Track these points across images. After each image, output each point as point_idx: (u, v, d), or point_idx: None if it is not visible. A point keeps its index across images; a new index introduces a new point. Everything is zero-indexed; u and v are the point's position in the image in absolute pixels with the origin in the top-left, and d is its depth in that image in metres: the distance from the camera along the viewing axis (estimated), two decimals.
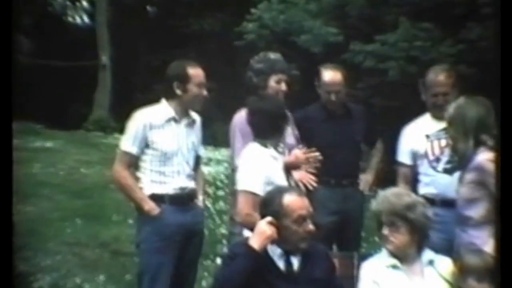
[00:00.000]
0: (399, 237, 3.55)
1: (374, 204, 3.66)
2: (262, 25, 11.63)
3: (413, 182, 4.79)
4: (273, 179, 3.95)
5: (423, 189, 4.68)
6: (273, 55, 4.88)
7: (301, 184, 4.83)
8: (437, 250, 3.79)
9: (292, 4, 11.56)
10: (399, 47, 9.28)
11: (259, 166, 4.01)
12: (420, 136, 4.76)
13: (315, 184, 4.80)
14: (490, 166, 3.75)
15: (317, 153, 4.39)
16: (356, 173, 5.21)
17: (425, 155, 4.70)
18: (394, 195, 3.64)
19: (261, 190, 3.87)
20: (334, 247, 5.02)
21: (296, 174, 4.77)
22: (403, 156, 4.86)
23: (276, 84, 4.69)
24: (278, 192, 3.56)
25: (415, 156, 4.76)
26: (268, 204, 3.51)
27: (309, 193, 4.73)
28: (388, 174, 5.10)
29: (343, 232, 5.04)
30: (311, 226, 3.45)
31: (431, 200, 4.48)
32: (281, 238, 3.42)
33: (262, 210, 3.55)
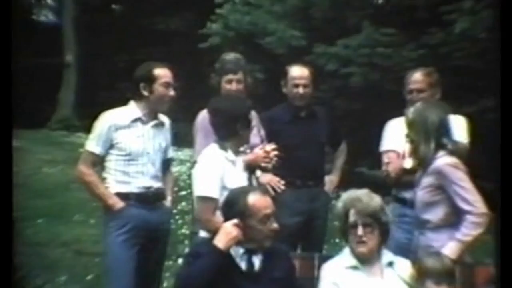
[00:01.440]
0: (373, 238, 3.59)
1: (341, 205, 3.67)
2: (227, 26, 11.63)
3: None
4: (227, 184, 3.93)
5: (395, 190, 4.74)
6: (227, 55, 4.93)
7: (269, 187, 4.90)
8: (405, 250, 3.90)
9: (257, 6, 11.57)
10: (362, 50, 9.36)
11: (214, 171, 3.98)
12: (400, 136, 4.83)
13: (283, 187, 4.86)
14: (450, 170, 3.84)
15: (275, 149, 4.43)
16: (321, 174, 5.25)
17: (403, 156, 4.70)
18: (366, 196, 3.66)
19: (217, 194, 3.87)
20: (299, 248, 5.06)
21: (264, 177, 4.82)
22: (390, 143, 4.84)
23: (227, 84, 4.76)
24: (242, 192, 3.57)
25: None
26: (233, 205, 3.52)
27: (275, 193, 4.82)
28: (351, 176, 5.17)
29: (308, 233, 5.08)
30: (275, 225, 3.48)
31: (402, 200, 4.57)
32: (246, 238, 3.44)
33: (226, 211, 3.56)
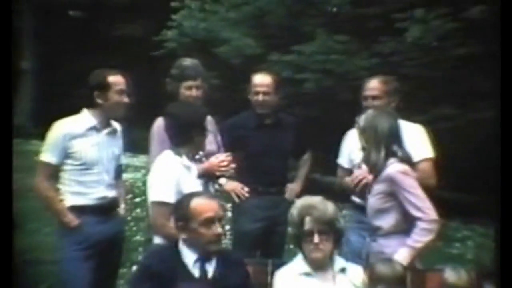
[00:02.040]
0: (328, 245, 3.60)
1: (296, 213, 3.67)
2: (182, 33, 11.62)
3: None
4: (182, 189, 3.91)
5: (354, 197, 4.77)
6: (186, 61, 4.90)
7: (233, 194, 4.92)
8: (359, 256, 3.98)
9: (212, 13, 11.58)
10: (316, 58, 9.44)
11: (168, 176, 3.97)
12: (358, 144, 4.87)
13: (247, 195, 4.89)
14: (400, 177, 3.90)
15: (229, 158, 4.44)
16: (283, 181, 5.27)
17: (359, 165, 4.72)
18: (320, 203, 3.67)
19: (172, 199, 3.85)
20: (259, 254, 5.07)
21: (229, 185, 4.85)
22: (343, 159, 4.94)
23: (186, 90, 4.72)
24: (188, 196, 3.59)
25: (352, 162, 4.82)
26: (178, 208, 3.55)
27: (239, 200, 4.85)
28: (313, 184, 5.20)
29: (268, 239, 5.10)
30: (219, 229, 3.46)
31: (359, 207, 4.62)
32: (190, 242, 3.46)
33: (174, 214, 3.59)
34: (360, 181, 4.50)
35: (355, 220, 4.54)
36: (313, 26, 10.30)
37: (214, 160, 4.42)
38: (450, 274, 3.66)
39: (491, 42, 8.84)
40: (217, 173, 4.46)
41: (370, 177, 4.28)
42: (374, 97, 4.74)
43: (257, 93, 5.10)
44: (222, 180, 4.72)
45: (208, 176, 4.41)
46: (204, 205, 3.48)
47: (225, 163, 4.43)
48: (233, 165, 4.45)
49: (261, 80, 5.14)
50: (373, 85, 4.80)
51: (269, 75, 5.21)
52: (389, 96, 4.77)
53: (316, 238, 3.56)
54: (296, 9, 10.65)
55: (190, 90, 4.73)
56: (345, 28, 9.75)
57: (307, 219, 3.59)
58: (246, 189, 4.97)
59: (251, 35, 10.83)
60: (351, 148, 4.82)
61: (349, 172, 4.79)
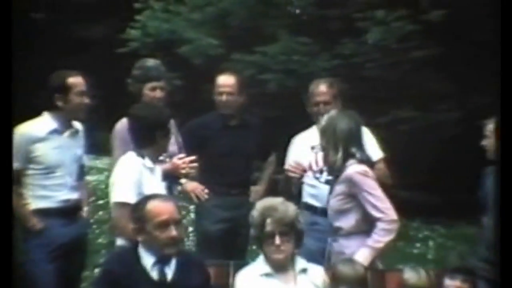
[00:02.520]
0: (289, 246, 3.63)
1: (257, 214, 3.69)
2: (146, 33, 11.57)
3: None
4: (144, 190, 3.91)
5: (306, 198, 4.82)
6: (149, 62, 4.90)
7: (193, 195, 4.92)
8: (316, 258, 3.98)
9: (175, 13, 11.55)
10: (278, 59, 9.47)
11: (130, 177, 3.97)
12: (306, 147, 4.89)
13: (206, 196, 4.89)
14: (359, 178, 3.96)
15: (193, 159, 4.44)
16: (246, 183, 5.29)
17: (309, 167, 4.81)
18: (281, 204, 3.70)
19: (133, 200, 3.83)
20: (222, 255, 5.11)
21: (188, 185, 4.85)
22: (290, 164, 4.91)
23: (150, 91, 4.72)
24: (145, 198, 3.58)
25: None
26: (135, 210, 3.54)
27: (199, 201, 4.85)
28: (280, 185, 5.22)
29: (230, 241, 5.12)
30: (174, 233, 3.43)
31: (313, 208, 4.66)
32: (148, 245, 3.45)
33: (131, 216, 3.58)
34: (292, 171, 4.56)
35: (308, 221, 4.58)
36: (276, 27, 10.31)
37: (177, 161, 4.43)
38: (409, 274, 3.72)
39: (451, 44, 9.00)
40: (181, 174, 4.46)
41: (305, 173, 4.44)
42: (326, 103, 4.80)
43: (221, 93, 5.12)
44: (182, 180, 4.73)
45: (172, 177, 4.42)
46: (159, 208, 3.45)
47: (188, 164, 4.43)
48: (195, 165, 4.46)
49: (225, 80, 5.17)
50: (322, 89, 4.86)
51: (233, 76, 5.24)
52: (336, 99, 4.83)
53: (277, 240, 3.59)
54: (259, 10, 10.66)
55: (153, 91, 4.73)
56: (308, 30, 9.78)
57: (268, 221, 3.61)
58: (206, 190, 4.97)
59: (214, 36, 10.81)
60: (298, 153, 4.88)
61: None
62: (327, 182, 4.68)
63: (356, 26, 8.80)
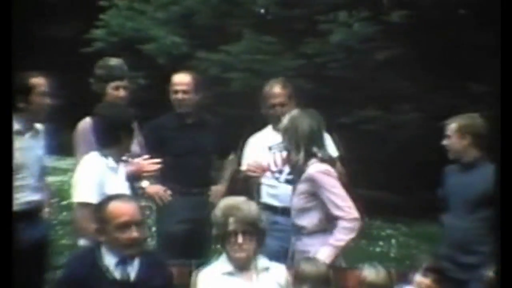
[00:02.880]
0: (251, 245, 3.63)
1: (220, 213, 3.68)
2: (110, 32, 11.50)
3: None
4: (107, 191, 3.88)
5: (266, 198, 4.81)
6: (112, 61, 4.87)
7: (156, 198, 4.91)
8: (277, 257, 3.95)
9: (140, 12, 11.51)
10: (243, 58, 9.48)
11: (92, 177, 3.95)
12: (263, 148, 4.89)
13: (169, 198, 4.88)
14: (321, 177, 3.98)
15: (157, 161, 4.43)
16: (206, 182, 5.26)
17: (269, 167, 4.82)
18: (244, 203, 3.70)
19: (95, 200, 3.80)
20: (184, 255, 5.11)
21: (150, 188, 4.83)
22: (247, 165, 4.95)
23: (114, 90, 4.69)
24: (107, 199, 3.55)
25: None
26: (96, 211, 3.52)
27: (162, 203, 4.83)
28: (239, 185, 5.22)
29: (193, 240, 5.08)
30: (135, 234, 3.41)
31: (273, 208, 4.68)
32: (110, 245, 3.43)
33: (93, 216, 3.56)
34: (252, 171, 4.59)
35: (268, 221, 4.56)
36: (240, 26, 10.34)
37: (142, 161, 4.41)
38: (368, 272, 3.75)
39: (412, 45, 9.10)
40: (144, 174, 4.45)
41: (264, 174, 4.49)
42: (281, 104, 4.81)
43: (176, 91, 5.11)
44: (144, 183, 4.71)
45: (136, 178, 4.40)
46: (120, 209, 3.43)
47: (152, 164, 4.42)
48: (159, 167, 4.45)
49: (180, 78, 5.16)
50: (277, 91, 4.86)
51: (189, 74, 5.23)
52: (291, 99, 4.83)
53: (239, 238, 3.59)
54: (223, 9, 10.68)
55: (117, 91, 4.70)
56: (272, 29, 9.82)
57: (231, 220, 3.61)
58: (169, 191, 4.97)
59: (179, 35, 10.81)
60: (255, 153, 4.90)
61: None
62: (287, 181, 4.70)
63: (319, 26, 8.85)
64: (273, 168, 4.81)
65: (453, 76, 9.19)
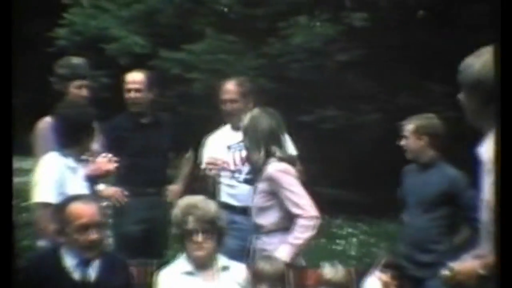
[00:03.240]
0: (211, 244, 3.62)
1: (179, 212, 3.67)
2: (74, 31, 11.42)
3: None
4: (68, 191, 3.84)
5: (225, 198, 4.79)
6: (75, 60, 4.82)
7: (114, 200, 4.88)
8: (235, 256, 3.93)
9: (104, 10, 11.44)
10: (205, 57, 9.48)
11: (52, 177, 3.91)
12: (222, 147, 4.87)
13: (126, 199, 4.86)
14: (280, 176, 4.00)
15: (115, 159, 4.37)
16: (163, 181, 5.23)
17: (228, 166, 4.78)
18: (202, 202, 3.70)
19: (55, 200, 3.77)
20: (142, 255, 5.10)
21: (107, 190, 4.81)
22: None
23: (76, 89, 4.64)
24: (67, 200, 3.52)
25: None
26: (56, 212, 3.50)
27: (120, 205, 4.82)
28: (197, 183, 5.21)
29: (150, 240, 5.06)
30: (94, 236, 3.39)
31: (232, 208, 4.68)
32: (69, 246, 3.41)
33: (53, 217, 3.54)
34: (211, 165, 4.62)
35: (227, 220, 4.57)
36: (203, 25, 10.35)
37: (101, 159, 4.39)
38: (327, 270, 3.79)
39: (374, 46, 9.20)
40: (104, 173, 4.42)
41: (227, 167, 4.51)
42: (232, 101, 4.81)
43: (129, 90, 5.08)
44: (101, 186, 4.69)
45: (94, 178, 4.37)
46: (79, 211, 3.41)
47: (110, 162, 4.38)
48: (118, 165, 4.43)
49: (133, 77, 5.13)
50: (229, 87, 4.85)
51: (141, 72, 5.20)
52: (245, 98, 4.81)
53: (199, 237, 3.59)
54: (186, 7, 10.67)
55: (79, 90, 4.65)
56: (234, 28, 9.84)
57: (190, 218, 3.60)
58: (126, 192, 4.96)
59: (142, 33, 10.78)
60: (213, 153, 4.88)
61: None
62: (245, 181, 4.70)
63: (281, 27, 8.90)
64: (232, 168, 4.79)
65: (413, 77, 9.32)
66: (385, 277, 3.84)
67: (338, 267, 3.81)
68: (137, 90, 5.07)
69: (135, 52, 10.34)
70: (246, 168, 4.70)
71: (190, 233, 3.61)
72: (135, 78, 5.13)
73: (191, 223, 3.60)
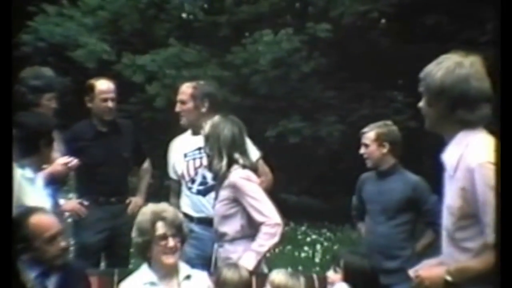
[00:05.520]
0: (179, 250, 3.59)
1: (147, 219, 3.59)
2: (39, 38, 11.33)
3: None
4: (26, 203, 3.69)
5: (183, 207, 4.74)
6: (47, 72, 4.77)
7: (74, 214, 4.84)
8: (193, 265, 3.89)
9: (68, 17, 11.39)
10: (168, 65, 9.47)
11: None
12: (180, 155, 4.85)
13: (86, 212, 4.82)
14: (242, 183, 3.99)
15: (69, 160, 4.32)
16: (124, 190, 5.21)
17: (182, 176, 4.79)
18: (170, 208, 3.68)
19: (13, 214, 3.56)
20: (104, 264, 5.05)
21: (67, 205, 4.78)
22: (170, 171, 4.95)
23: (47, 101, 4.60)
24: (24, 214, 3.42)
25: (177, 173, 4.85)
26: (17, 229, 3.34)
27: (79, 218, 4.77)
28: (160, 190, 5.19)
29: (112, 250, 5.03)
30: (63, 244, 3.39)
31: (190, 217, 4.66)
32: (36, 260, 3.35)
33: (14, 235, 3.36)
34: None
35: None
36: (166, 31, 10.35)
37: (59, 162, 4.31)
38: (274, 276, 3.70)
39: (336, 57, 9.29)
40: (58, 172, 4.33)
41: None
42: (182, 101, 4.80)
43: (105, 99, 5.01)
44: (61, 201, 4.63)
45: (52, 180, 4.29)
46: (45, 222, 3.38)
47: (64, 163, 4.32)
48: (76, 164, 4.36)
49: (108, 86, 5.08)
50: (182, 89, 4.86)
51: (111, 81, 5.16)
52: (195, 100, 4.77)
53: (170, 242, 3.54)
54: (150, 14, 10.67)
55: (50, 101, 4.62)
56: (198, 36, 9.85)
57: (160, 224, 3.55)
58: (86, 202, 4.92)
59: (106, 40, 10.75)
60: (174, 160, 4.88)
61: (179, 183, 4.86)
62: (198, 192, 4.70)
63: (245, 36, 8.93)
64: (187, 178, 4.77)
65: (376, 86, 9.42)
66: (335, 277, 3.84)
67: (286, 272, 3.75)
68: (112, 99, 5.03)
69: (98, 59, 10.30)
70: (199, 179, 4.71)
71: (160, 238, 3.55)
72: (110, 87, 5.08)
73: (161, 229, 3.55)
